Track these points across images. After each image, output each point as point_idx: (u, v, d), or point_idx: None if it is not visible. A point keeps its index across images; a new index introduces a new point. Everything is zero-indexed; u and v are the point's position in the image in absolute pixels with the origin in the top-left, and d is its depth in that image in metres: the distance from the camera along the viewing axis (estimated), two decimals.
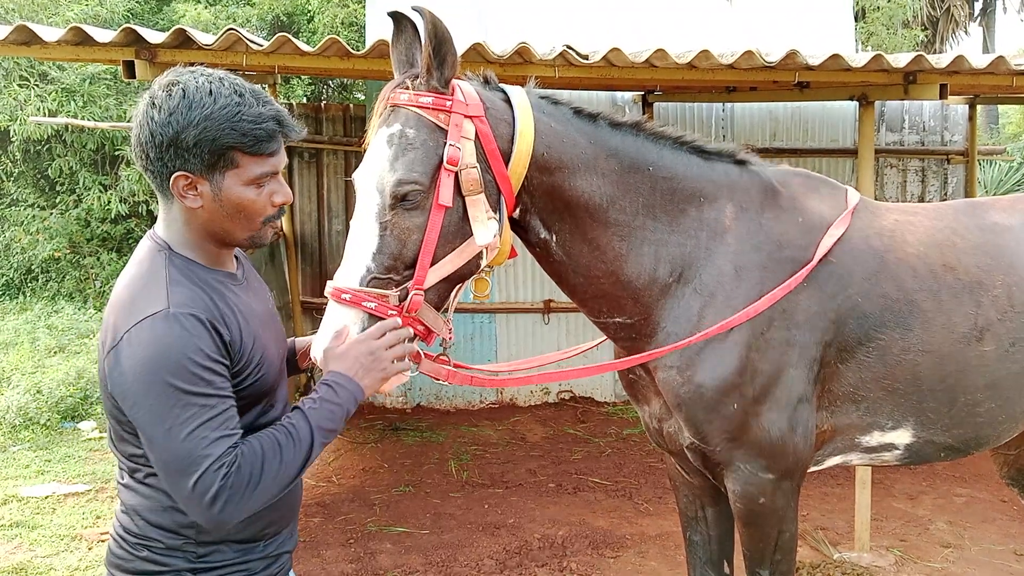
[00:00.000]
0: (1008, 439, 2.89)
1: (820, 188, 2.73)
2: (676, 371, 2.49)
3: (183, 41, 3.70)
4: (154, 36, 3.73)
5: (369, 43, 3.93)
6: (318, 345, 1.99)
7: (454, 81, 2.15)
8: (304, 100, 10.84)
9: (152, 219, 11.37)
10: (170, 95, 1.70)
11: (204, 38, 3.74)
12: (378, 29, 5.87)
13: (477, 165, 2.12)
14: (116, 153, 10.80)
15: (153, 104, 1.71)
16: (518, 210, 2.30)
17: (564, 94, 2.45)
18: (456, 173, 2.10)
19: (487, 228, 2.14)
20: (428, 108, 2.11)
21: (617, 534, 4.98)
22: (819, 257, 2.51)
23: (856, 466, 3.78)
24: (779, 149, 7.43)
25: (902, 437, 2.70)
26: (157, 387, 1.63)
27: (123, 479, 1.86)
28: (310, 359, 2.11)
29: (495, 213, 2.17)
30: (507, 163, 2.19)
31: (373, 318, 2.00)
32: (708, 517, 2.94)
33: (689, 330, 2.45)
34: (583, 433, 6.89)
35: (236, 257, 1.95)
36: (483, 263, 2.20)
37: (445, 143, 2.10)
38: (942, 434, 2.71)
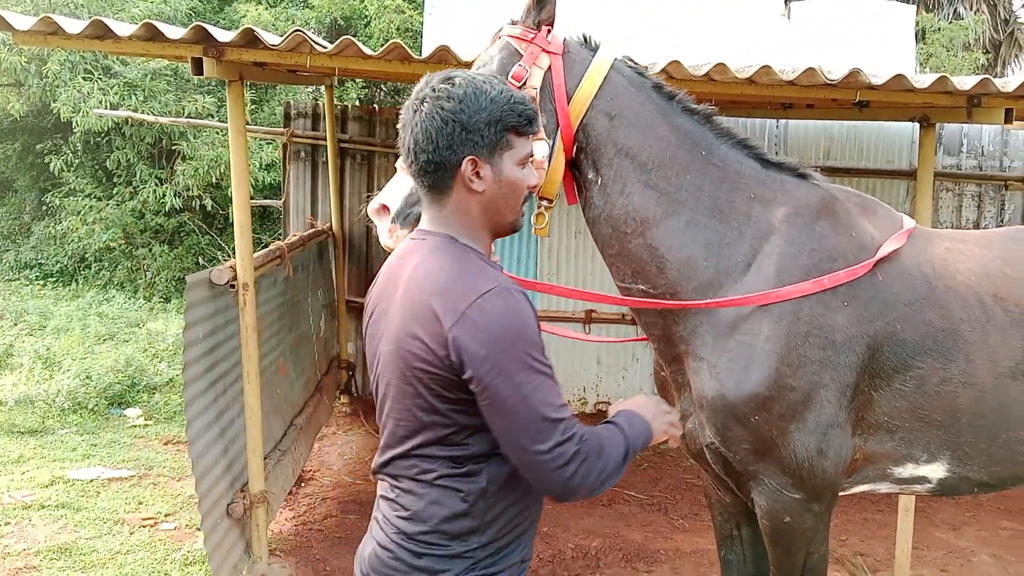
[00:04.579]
0: None
1: (877, 211, 2.70)
2: (706, 365, 2.47)
3: (250, 40, 3.78)
4: (223, 35, 3.81)
5: (427, 49, 3.97)
6: (375, 200, 2.30)
7: (553, 29, 2.51)
8: (357, 103, 10.97)
9: (204, 214, 11.57)
10: (454, 85, 1.80)
11: (271, 38, 3.81)
12: (436, 36, 5.93)
13: (538, 89, 2.43)
14: (173, 148, 11.04)
15: (439, 97, 1.79)
16: (575, 149, 2.52)
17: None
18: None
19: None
20: (514, 37, 2.49)
21: (651, 548, 4.95)
22: (881, 255, 2.50)
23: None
24: (833, 168, 7.30)
25: (936, 471, 2.63)
26: (516, 353, 1.69)
27: (401, 484, 1.84)
28: None
29: (548, 138, 2.44)
30: (570, 101, 2.47)
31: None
32: (743, 536, 2.90)
33: (722, 324, 2.46)
34: None
35: None
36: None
37: (516, 64, 2.44)
38: (979, 471, 2.64)
